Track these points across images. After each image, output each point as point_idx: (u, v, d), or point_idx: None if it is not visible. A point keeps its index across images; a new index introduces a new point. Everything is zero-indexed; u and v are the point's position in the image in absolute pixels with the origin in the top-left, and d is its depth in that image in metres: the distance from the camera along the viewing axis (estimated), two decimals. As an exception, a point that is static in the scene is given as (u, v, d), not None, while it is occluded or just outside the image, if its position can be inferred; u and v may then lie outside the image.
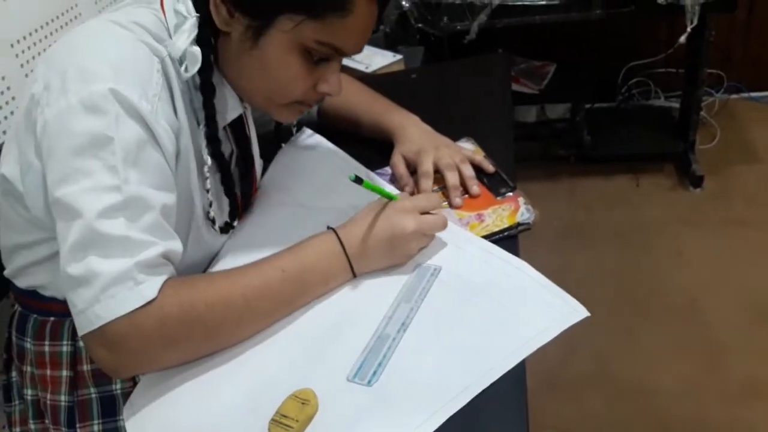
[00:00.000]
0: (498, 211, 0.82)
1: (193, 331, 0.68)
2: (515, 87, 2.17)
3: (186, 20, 0.72)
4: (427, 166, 0.88)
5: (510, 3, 1.74)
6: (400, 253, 0.76)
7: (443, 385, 0.62)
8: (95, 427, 0.81)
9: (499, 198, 0.85)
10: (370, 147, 0.98)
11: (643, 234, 2.01)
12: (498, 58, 1.20)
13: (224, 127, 0.84)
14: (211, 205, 0.81)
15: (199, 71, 0.73)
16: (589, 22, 1.77)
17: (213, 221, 0.82)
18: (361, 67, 1.65)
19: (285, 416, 0.61)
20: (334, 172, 0.95)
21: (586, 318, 0.66)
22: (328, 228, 0.76)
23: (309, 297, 0.74)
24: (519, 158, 2.28)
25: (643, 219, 2.07)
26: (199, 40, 0.72)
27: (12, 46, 1.05)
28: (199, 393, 0.67)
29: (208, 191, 0.80)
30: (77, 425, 0.81)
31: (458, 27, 1.78)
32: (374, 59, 1.69)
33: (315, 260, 0.73)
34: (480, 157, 0.91)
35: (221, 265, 0.82)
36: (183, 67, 0.72)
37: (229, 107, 0.80)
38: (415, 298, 0.72)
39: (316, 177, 0.95)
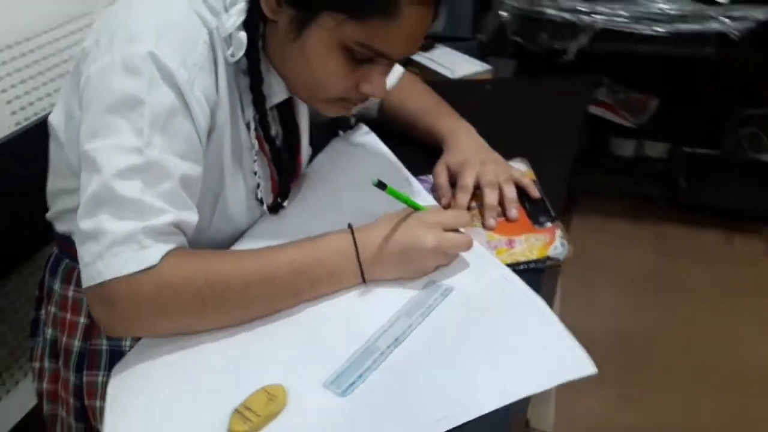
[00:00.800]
0: (531, 239, 0.76)
1: (188, 305, 0.67)
2: (612, 118, 2.06)
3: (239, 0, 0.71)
4: (467, 180, 0.84)
5: (615, 28, 1.64)
6: (414, 267, 0.72)
7: (418, 410, 0.58)
8: (100, 378, 0.82)
9: (536, 226, 0.79)
10: (423, 151, 0.94)
11: (730, 297, 1.84)
12: (581, 84, 1.12)
13: (271, 109, 0.84)
14: (258, 186, 0.81)
15: (246, 55, 0.72)
16: (701, 58, 1.65)
17: (261, 201, 0.82)
18: (446, 73, 1.61)
19: (249, 408, 0.59)
20: (377, 174, 0.92)
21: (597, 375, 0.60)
22: (348, 227, 0.73)
23: (314, 293, 0.71)
24: (606, 192, 2.17)
25: (732, 281, 1.90)
26: (246, 24, 0.71)
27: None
28: (180, 368, 0.66)
29: (255, 173, 0.80)
30: (84, 372, 0.82)
31: (556, 45, 1.70)
32: (462, 66, 1.65)
33: (326, 257, 0.71)
34: (527, 180, 0.85)
35: (243, 245, 0.81)
36: (229, 51, 0.72)
37: (275, 91, 0.79)
38: (417, 314, 0.68)
39: (358, 174, 0.92)
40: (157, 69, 0.66)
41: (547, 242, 0.75)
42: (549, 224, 0.78)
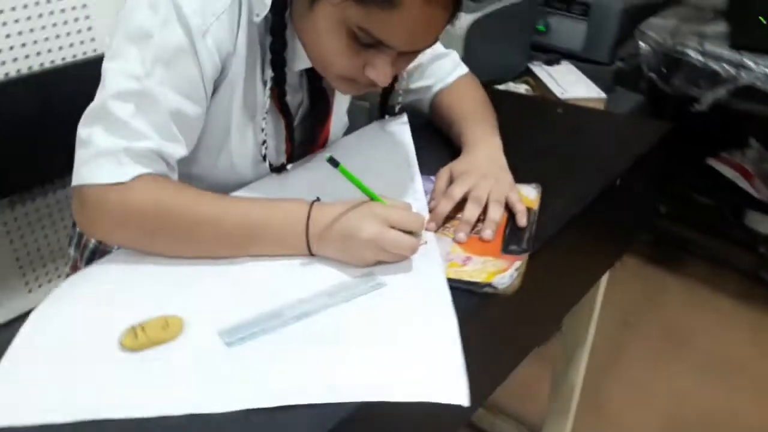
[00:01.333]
0: (488, 263, 0.74)
1: (141, 226, 0.73)
2: (745, 186, 1.84)
3: None
4: (455, 190, 0.82)
5: (762, 87, 1.47)
6: (352, 254, 0.72)
7: (273, 380, 0.60)
8: None
9: (503, 252, 0.76)
10: (455, 153, 0.93)
11: None
12: (655, 128, 1.03)
13: (301, 75, 0.88)
14: (264, 144, 0.85)
15: (272, 13, 0.76)
16: None
17: (264, 158, 0.86)
18: (557, 91, 1.56)
19: (144, 330, 0.64)
20: (391, 163, 0.93)
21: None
22: (315, 200, 0.75)
23: (256, 250, 0.75)
24: (725, 265, 1.96)
25: None
26: None
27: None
28: (112, 283, 0.73)
29: (263, 130, 0.84)
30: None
31: (691, 92, 1.56)
32: (575, 88, 1.58)
33: (276, 221, 0.74)
34: (521, 206, 0.82)
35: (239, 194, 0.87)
36: (255, 12, 0.76)
37: (298, 57, 0.83)
38: (338, 297, 0.69)
39: (370, 159, 0.94)
40: (174, 10, 0.72)
41: (501, 270, 0.72)
42: (518, 255, 0.75)
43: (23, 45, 1.17)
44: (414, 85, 1.06)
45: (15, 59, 1.17)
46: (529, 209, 0.82)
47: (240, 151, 0.88)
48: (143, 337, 0.64)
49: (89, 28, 1.26)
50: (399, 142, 0.97)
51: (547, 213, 0.83)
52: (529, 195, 0.85)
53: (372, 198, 0.73)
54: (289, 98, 0.88)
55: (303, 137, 0.95)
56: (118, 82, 0.73)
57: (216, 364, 0.62)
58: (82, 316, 0.68)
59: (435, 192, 0.85)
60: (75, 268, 0.97)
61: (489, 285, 0.70)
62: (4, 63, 1.16)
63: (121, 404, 0.57)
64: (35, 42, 1.19)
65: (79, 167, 0.73)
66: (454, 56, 1.07)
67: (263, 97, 0.83)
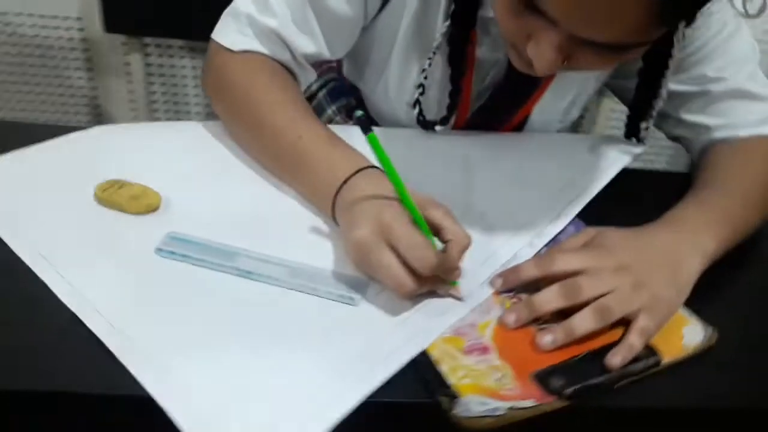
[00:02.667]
0: (498, 374, 0.48)
1: (224, 101, 0.69)
2: None
3: None
4: (572, 262, 0.53)
5: None
6: (346, 247, 0.55)
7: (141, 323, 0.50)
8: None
9: (535, 377, 0.48)
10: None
11: None
12: None
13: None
14: (420, 88, 0.70)
15: None
16: None
17: (415, 104, 0.72)
18: None
19: (120, 187, 0.60)
20: (547, 188, 0.67)
21: None
22: (365, 168, 0.58)
23: (295, 185, 0.63)
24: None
25: None
26: None
27: None
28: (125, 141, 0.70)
29: (423, 71, 0.69)
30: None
31: None
32: None
33: (322, 169, 0.59)
34: (636, 342, 0.50)
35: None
36: None
37: (485, 4, 0.64)
38: (296, 282, 0.53)
39: (530, 173, 0.71)
40: None
41: (495, 393, 0.46)
42: (548, 393, 0.47)
43: None
44: (688, 117, 0.74)
45: None
46: (651, 351, 0.51)
47: (397, 85, 0.75)
48: (115, 195, 0.59)
49: None
50: (586, 169, 0.70)
51: (692, 374, 0.50)
52: (689, 337, 0.53)
53: (402, 198, 0.52)
54: (481, 51, 0.69)
55: (490, 108, 0.75)
56: None
57: (138, 267, 0.54)
58: (85, 155, 0.66)
59: (569, 245, 0.59)
60: None
61: (453, 397, 0.46)
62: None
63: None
64: None
65: (220, 20, 0.70)
66: (777, 107, 0.70)
67: (438, 33, 0.67)
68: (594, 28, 0.47)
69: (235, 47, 0.67)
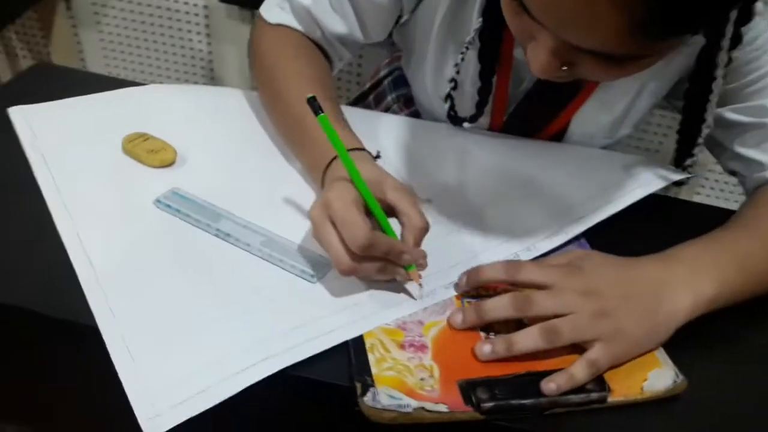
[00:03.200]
0: (426, 374, 0.48)
1: (256, 67, 0.72)
2: None
3: None
4: (538, 275, 0.52)
5: None
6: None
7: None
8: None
9: (465, 386, 0.48)
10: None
11: None
12: None
13: None
14: (452, 82, 0.70)
15: None
16: None
17: (446, 98, 0.71)
18: None
19: (145, 139, 0.66)
20: (560, 202, 0.64)
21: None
22: (359, 150, 0.59)
23: (299, 154, 0.66)
24: None
25: None
26: None
27: None
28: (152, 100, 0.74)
29: (456, 65, 0.69)
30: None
31: None
32: None
33: (320, 144, 0.60)
34: (580, 374, 0.48)
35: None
36: None
37: None
38: (266, 251, 0.56)
39: (554, 184, 0.68)
40: None
41: (411, 391, 0.46)
42: (471, 406, 0.46)
43: None
44: (742, 150, 0.68)
45: None
46: (601, 385, 0.48)
47: (433, 79, 0.75)
48: (136, 148, 0.65)
49: None
50: (608, 187, 0.66)
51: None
52: (653, 381, 0.49)
53: (353, 178, 0.53)
54: (518, 52, 0.68)
55: (524, 113, 0.73)
56: None
57: (134, 216, 0.59)
58: (128, 108, 0.72)
59: (550, 260, 0.56)
60: None
61: (368, 386, 0.46)
62: None
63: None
64: None
65: None
66: None
67: (472, 29, 0.66)
68: (574, 33, 0.45)
69: (273, 20, 0.71)
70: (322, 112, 0.52)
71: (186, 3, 1.51)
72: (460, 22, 0.68)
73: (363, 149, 0.58)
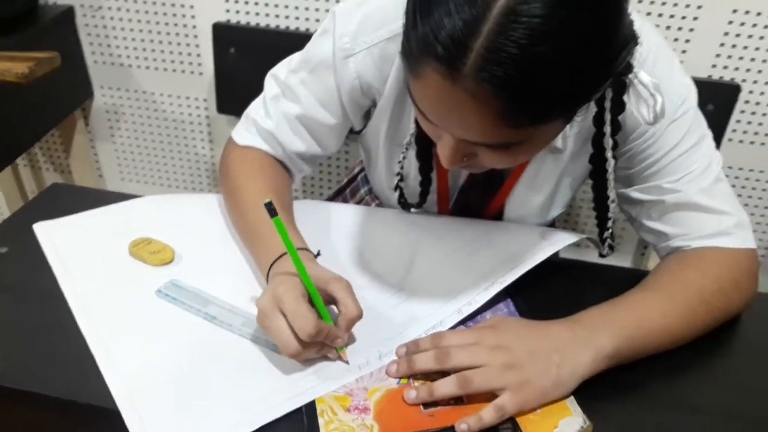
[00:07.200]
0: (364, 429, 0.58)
1: (224, 182, 0.85)
2: None
3: None
4: (451, 339, 0.64)
5: None
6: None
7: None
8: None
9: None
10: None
11: None
12: None
13: None
14: (398, 175, 0.84)
15: None
16: None
17: (394, 188, 0.85)
18: None
19: (148, 243, 0.79)
20: (486, 266, 0.77)
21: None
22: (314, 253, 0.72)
23: (248, 250, 0.78)
24: None
25: None
26: None
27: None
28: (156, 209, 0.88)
29: (399, 162, 0.83)
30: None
31: None
32: None
33: (262, 249, 0.73)
34: (488, 418, 0.58)
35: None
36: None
37: None
38: (254, 335, 0.69)
39: (476, 254, 0.80)
40: (332, 24, 0.76)
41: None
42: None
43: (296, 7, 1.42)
44: (648, 223, 0.80)
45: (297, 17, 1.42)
46: (514, 429, 0.58)
47: (385, 177, 0.88)
48: (141, 251, 0.78)
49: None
50: (525, 254, 0.77)
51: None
52: (563, 428, 0.59)
53: (301, 275, 0.64)
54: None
55: (464, 201, 0.87)
56: (281, 66, 0.83)
57: (136, 303, 0.72)
58: (130, 218, 0.86)
59: (471, 328, 0.68)
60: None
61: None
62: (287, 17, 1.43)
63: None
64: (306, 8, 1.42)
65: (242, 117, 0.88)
66: (729, 220, 0.75)
67: (409, 134, 0.80)
68: (457, 130, 0.57)
69: (240, 142, 0.85)
70: (276, 214, 0.63)
71: (190, 114, 1.70)
72: (400, 130, 0.82)
73: (307, 249, 0.71)
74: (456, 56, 0.50)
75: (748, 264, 0.74)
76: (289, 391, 0.62)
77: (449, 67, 0.51)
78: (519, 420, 0.59)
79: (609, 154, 0.71)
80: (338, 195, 1.14)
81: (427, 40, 0.52)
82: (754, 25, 1.30)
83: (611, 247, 0.81)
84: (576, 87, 0.53)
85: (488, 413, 0.58)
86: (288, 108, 0.82)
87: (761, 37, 1.31)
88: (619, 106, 0.66)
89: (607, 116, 0.68)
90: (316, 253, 0.72)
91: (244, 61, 1.45)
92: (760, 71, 1.35)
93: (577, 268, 0.84)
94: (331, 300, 0.66)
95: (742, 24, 1.31)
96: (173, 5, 1.52)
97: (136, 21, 1.56)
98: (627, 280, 0.74)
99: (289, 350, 0.61)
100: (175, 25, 1.55)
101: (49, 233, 0.82)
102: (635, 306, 0.68)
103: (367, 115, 0.84)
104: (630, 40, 0.56)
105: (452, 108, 0.54)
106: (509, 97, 0.51)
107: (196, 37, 1.55)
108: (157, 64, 1.62)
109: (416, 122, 0.78)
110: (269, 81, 0.84)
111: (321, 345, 0.64)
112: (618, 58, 0.55)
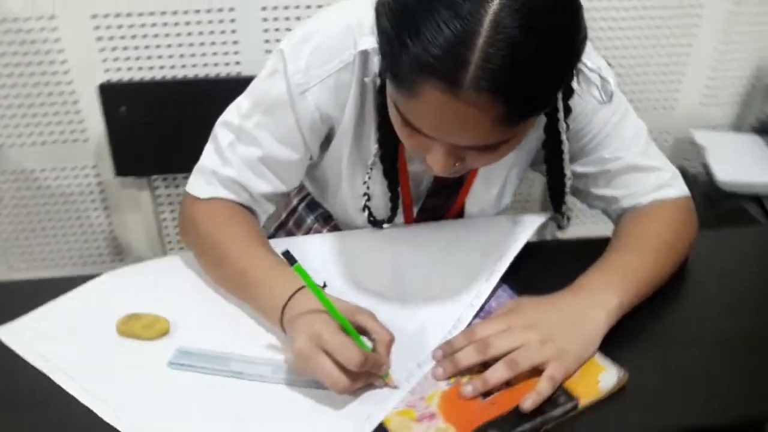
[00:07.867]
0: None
1: (193, 239, 0.83)
2: None
3: None
4: (496, 344, 0.67)
5: None
6: (293, 356, 0.65)
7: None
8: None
9: None
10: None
11: None
12: None
13: None
14: (365, 195, 0.86)
15: (380, 76, 0.75)
16: None
17: (363, 209, 0.87)
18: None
19: (137, 319, 0.75)
20: (476, 261, 0.82)
21: None
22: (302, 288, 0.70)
23: (250, 305, 0.76)
24: None
25: None
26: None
27: None
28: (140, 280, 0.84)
29: (365, 183, 0.85)
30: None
31: None
32: None
33: (266, 292, 0.72)
34: (544, 389, 0.63)
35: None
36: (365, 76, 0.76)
37: None
38: (274, 377, 0.68)
39: (460, 251, 0.85)
40: (281, 64, 0.77)
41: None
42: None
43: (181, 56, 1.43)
44: (597, 191, 0.89)
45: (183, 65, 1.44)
46: (569, 397, 0.63)
47: (350, 200, 0.90)
48: (132, 327, 0.74)
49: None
50: (511, 241, 0.84)
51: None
52: (604, 382, 0.65)
53: (329, 310, 0.65)
54: (413, 166, 0.86)
55: (429, 207, 0.91)
56: (230, 113, 0.83)
57: (147, 379, 0.69)
58: (103, 298, 0.81)
59: (494, 315, 0.72)
60: None
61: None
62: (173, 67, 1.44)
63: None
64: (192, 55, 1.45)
65: (192, 175, 0.86)
66: (666, 175, 0.86)
67: (372, 155, 0.83)
68: (456, 138, 0.61)
69: (203, 195, 0.83)
70: (296, 261, 0.63)
71: (79, 185, 1.59)
72: (362, 152, 0.84)
73: (323, 285, 0.71)
74: (456, 71, 0.54)
75: (689, 208, 0.85)
76: (352, 423, 0.62)
77: (450, 83, 0.55)
78: (566, 386, 0.64)
79: (563, 136, 0.79)
80: (280, 229, 1.14)
81: (423, 59, 0.55)
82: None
83: (568, 218, 0.90)
84: (557, 81, 0.60)
85: (543, 386, 0.63)
86: (247, 152, 0.81)
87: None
88: (569, 91, 0.74)
89: (560, 103, 0.75)
90: (322, 285, 0.73)
91: (138, 118, 1.39)
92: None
93: (550, 247, 0.91)
94: (359, 330, 0.67)
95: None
96: (44, 74, 1.43)
97: (13, 97, 1.45)
98: (591, 246, 0.82)
99: (340, 386, 0.61)
100: (50, 94, 1.46)
101: (14, 335, 0.75)
102: (618, 266, 0.76)
103: (325, 143, 0.86)
104: (585, 32, 0.63)
105: (454, 119, 0.58)
106: (507, 100, 0.56)
107: (75, 103, 1.47)
108: (33, 138, 1.52)
109: (379, 142, 0.81)
110: (221, 130, 0.83)
111: (368, 375, 0.65)
112: (580, 51, 0.62)
